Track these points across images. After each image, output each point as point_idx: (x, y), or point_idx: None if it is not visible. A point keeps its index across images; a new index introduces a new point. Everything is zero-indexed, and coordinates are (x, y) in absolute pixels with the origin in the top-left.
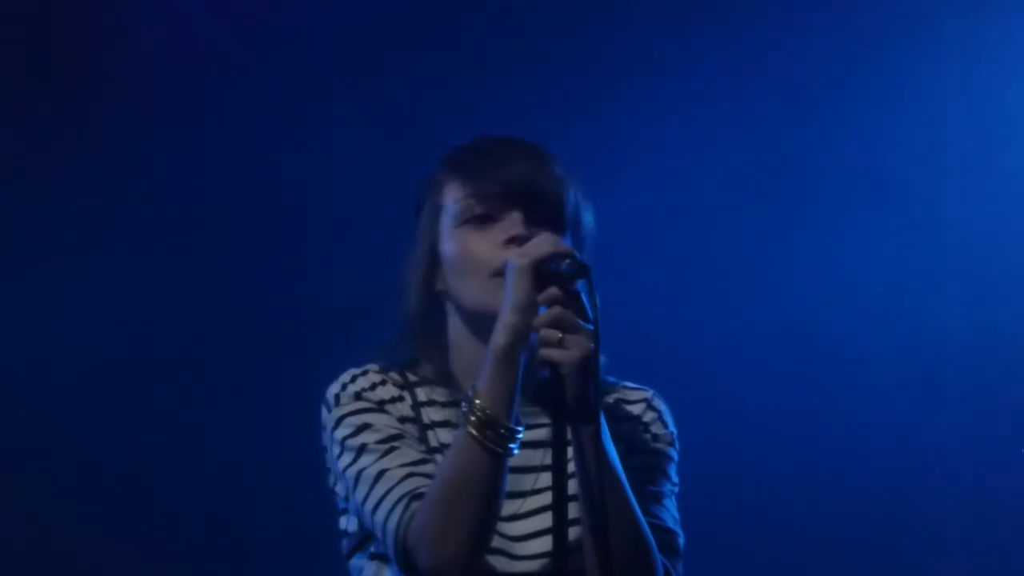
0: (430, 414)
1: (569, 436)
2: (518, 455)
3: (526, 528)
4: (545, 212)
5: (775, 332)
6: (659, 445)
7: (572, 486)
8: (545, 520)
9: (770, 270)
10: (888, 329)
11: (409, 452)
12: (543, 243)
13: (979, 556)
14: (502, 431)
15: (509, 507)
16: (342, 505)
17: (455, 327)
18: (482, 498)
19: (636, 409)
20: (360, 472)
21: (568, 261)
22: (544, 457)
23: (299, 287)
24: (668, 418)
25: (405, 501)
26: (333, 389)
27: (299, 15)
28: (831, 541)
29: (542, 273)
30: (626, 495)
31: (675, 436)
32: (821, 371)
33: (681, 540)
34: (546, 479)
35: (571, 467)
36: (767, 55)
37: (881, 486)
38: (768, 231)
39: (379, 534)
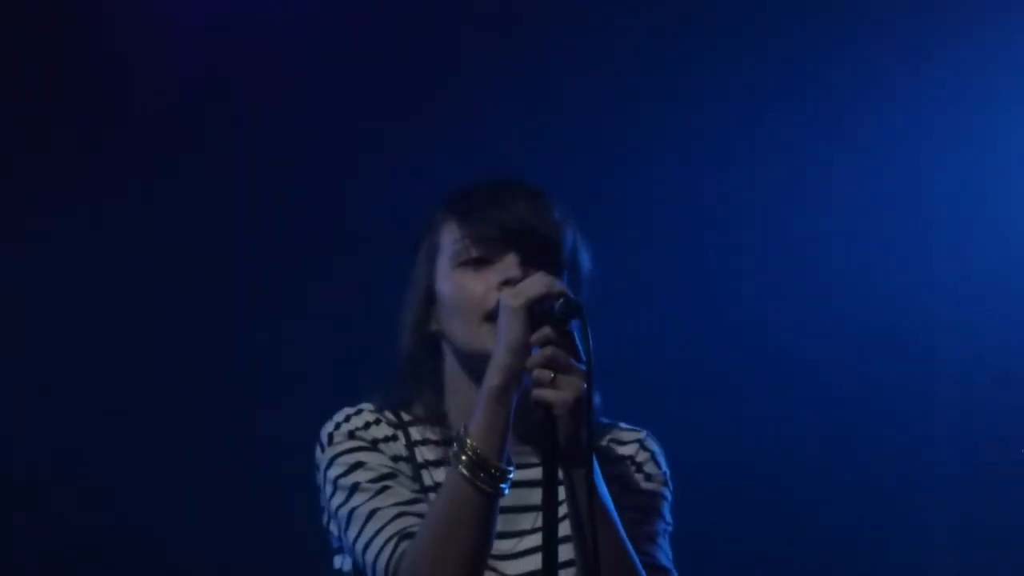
0: (424, 453)
1: (561, 476)
2: (513, 495)
3: (521, 567)
4: (541, 255)
5: (769, 336)
6: (652, 485)
7: (566, 527)
8: (539, 560)
9: (765, 273)
10: (885, 334)
11: (401, 491)
12: (536, 283)
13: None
14: (493, 471)
15: (504, 546)
16: (336, 544)
17: (450, 367)
18: (472, 538)
19: (629, 450)
20: (352, 511)
21: (561, 301)
22: (539, 497)
23: (296, 324)
24: (661, 459)
25: (395, 540)
26: (327, 428)
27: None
28: (826, 547)
29: (535, 314)
30: (619, 534)
31: (668, 476)
32: (817, 376)
33: None
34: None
35: (564, 508)
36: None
37: (879, 492)
38: (763, 237)
39: (369, 573)
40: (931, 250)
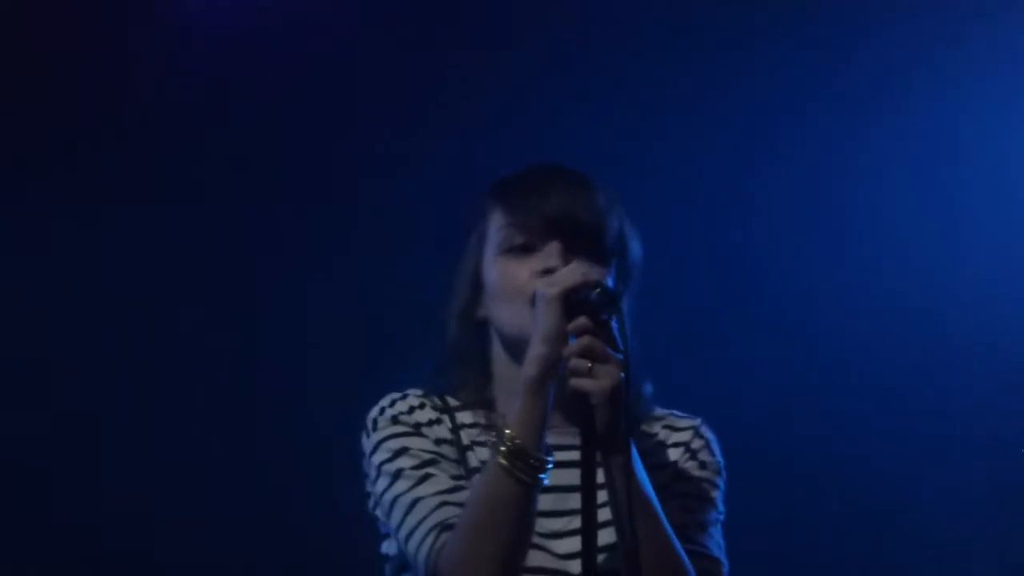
0: (471, 435)
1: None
2: (565, 475)
3: (571, 546)
4: (585, 243)
5: (780, 333)
6: (705, 473)
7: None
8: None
9: (776, 270)
10: (901, 330)
11: (443, 479)
12: (572, 273)
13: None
14: (532, 461)
15: (555, 525)
16: (383, 529)
17: (496, 353)
18: (511, 528)
19: (683, 437)
20: (396, 498)
21: (598, 291)
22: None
23: (344, 311)
24: (715, 447)
25: (436, 531)
26: (372, 414)
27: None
28: (853, 542)
29: (572, 303)
30: (659, 521)
31: (722, 465)
32: (828, 372)
33: (725, 569)
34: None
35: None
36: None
37: (890, 490)
38: (792, 230)
39: (412, 562)
40: (962, 244)
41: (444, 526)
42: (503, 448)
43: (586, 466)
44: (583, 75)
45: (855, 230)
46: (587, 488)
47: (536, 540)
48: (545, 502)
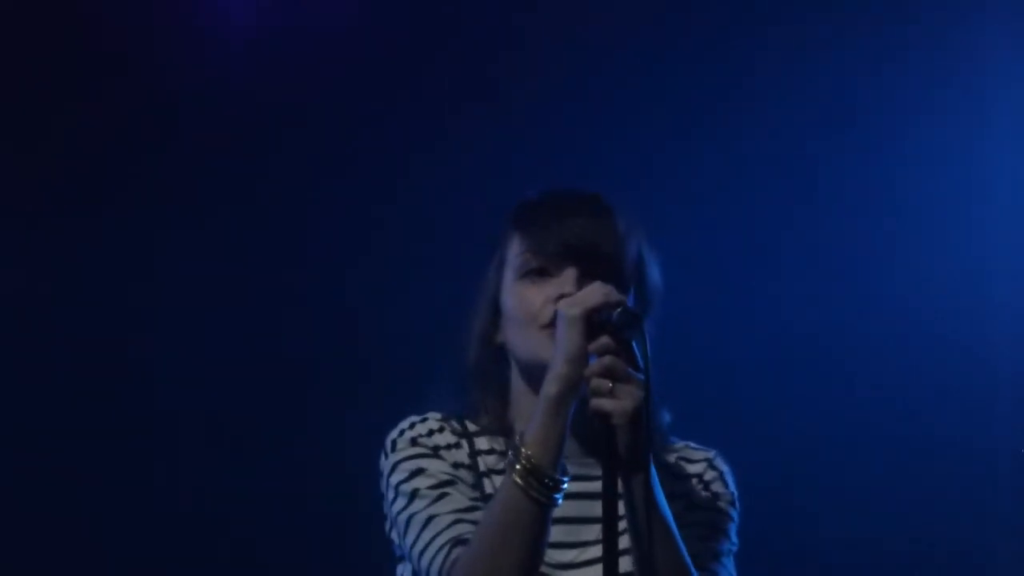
0: (488, 462)
1: (621, 486)
2: (577, 506)
3: None
4: (602, 270)
5: (799, 333)
6: (719, 504)
7: (628, 539)
8: (601, 570)
9: (796, 270)
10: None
11: (459, 498)
12: (594, 293)
13: None
14: (547, 480)
15: (566, 556)
16: (398, 553)
17: (515, 378)
18: (524, 546)
19: (697, 468)
20: (411, 517)
21: (619, 311)
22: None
23: (365, 333)
24: (729, 479)
25: (448, 547)
26: (391, 435)
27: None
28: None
29: (593, 323)
30: (676, 545)
31: (736, 497)
32: (872, 387)
33: None
34: None
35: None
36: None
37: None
38: (815, 245)
39: None
40: (989, 257)
41: (457, 541)
42: (518, 467)
43: (607, 492)
44: (598, 85)
45: (860, 234)
46: (608, 515)
47: (545, 571)
48: (556, 533)
